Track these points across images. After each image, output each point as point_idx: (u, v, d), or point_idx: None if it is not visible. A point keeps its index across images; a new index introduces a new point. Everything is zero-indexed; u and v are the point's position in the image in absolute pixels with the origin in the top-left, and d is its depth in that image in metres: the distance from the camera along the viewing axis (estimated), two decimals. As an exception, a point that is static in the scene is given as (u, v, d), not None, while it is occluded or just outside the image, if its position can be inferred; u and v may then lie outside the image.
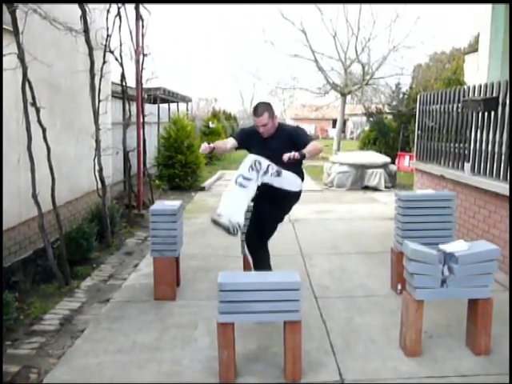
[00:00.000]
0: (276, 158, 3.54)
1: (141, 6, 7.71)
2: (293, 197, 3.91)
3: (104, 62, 6.30)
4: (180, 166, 10.79)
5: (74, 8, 5.36)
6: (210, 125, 19.06)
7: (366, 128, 20.21)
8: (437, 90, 9.45)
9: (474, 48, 15.84)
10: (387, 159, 11.52)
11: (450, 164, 6.41)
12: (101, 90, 5.92)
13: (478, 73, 7.53)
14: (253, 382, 2.94)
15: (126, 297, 4.33)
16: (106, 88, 6.81)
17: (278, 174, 3.61)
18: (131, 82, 7.93)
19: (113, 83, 7.74)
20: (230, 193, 3.54)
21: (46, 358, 3.26)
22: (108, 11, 6.58)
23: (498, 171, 5.15)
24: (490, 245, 3.36)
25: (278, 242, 5.58)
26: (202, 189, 11.04)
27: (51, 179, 4.53)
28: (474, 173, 5.68)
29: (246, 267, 4.29)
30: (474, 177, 5.60)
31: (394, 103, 16.97)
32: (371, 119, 17.50)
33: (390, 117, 17.00)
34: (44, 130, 4.43)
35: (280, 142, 3.70)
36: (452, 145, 6.39)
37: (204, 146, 3.83)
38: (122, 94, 7.48)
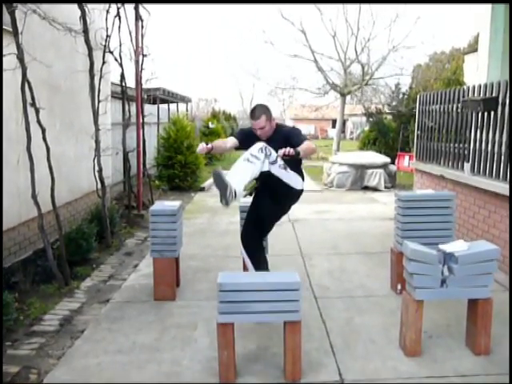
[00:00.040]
0: None
1: (140, 7, 7.71)
2: (294, 194, 3.90)
3: (103, 63, 6.30)
4: (180, 167, 10.79)
5: (74, 8, 5.36)
6: (210, 125, 19.05)
7: (366, 128, 20.22)
8: (436, 90, 9.45)
9: (473, 48, 15.83)
10: (387, 159, 11.53)
11: (450, 164, 6.41)
12: (100, 90, 5.92)
13: (477, 73, 7.54)
14: (253, 382, 2.94)
15: (126, 297, 4.32)
16: (106, 88, 6.80)
17: (285, 168, 3.64)
18: (131, 82, 7.95)
19: (112, 84, 7.74)
20: (236, 165, 3.52)
21: (46, 358, 3.25)
22: (107, 11, 6.58)
23: (497, 171, 5.16)
24: (490, 245, 3.36)
25: (278, 242, 5.60)
26: (202, 189, 11.03)
27: (51, 180, 4.53)
28: (473, 173, 5.69)
29: (246, 268, 4.29)
30: (474, 177, 5.60)
31: (394, 103, 16.97)
32: (371, 119, 17.51)
33: (389, 117, 17.00)
34: (43, 131, 4.43)
35: (278, 144, 3.70)
36: (452, 145, 6.39)
37: (201, 146, 3.81)
38: (122, 95, 7.48)
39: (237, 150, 4.10)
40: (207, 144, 3.86)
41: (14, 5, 4.05)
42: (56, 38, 5.39)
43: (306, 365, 3.04)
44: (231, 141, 4.02)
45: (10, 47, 4.18)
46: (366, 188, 10.97)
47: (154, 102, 12.08)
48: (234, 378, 2.92)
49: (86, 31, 5.46)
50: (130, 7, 7.39)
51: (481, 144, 5.55)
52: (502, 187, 4.91)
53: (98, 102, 5.83)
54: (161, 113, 13.22)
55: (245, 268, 4.38)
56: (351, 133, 40.25)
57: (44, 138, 4.44)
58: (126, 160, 7.57)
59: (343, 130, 30.85)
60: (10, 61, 4.16)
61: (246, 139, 3.96)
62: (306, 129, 41.87)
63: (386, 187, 10.95)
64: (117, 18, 6.85)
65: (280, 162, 3.58)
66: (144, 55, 7.83)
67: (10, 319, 3.56)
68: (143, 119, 8.24)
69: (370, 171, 11.02)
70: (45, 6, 4.86)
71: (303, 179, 3.93)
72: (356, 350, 3.31)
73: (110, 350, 3.33)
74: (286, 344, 2.92)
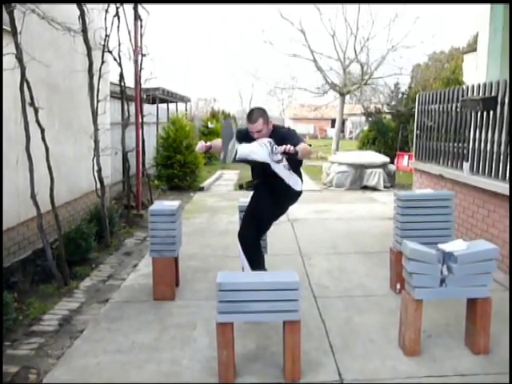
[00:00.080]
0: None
1: (139, 6, 7.71)
2: (293, 195, 3.93)
3: (102, 62, 6.29)
4: (179, 166, 10.78)
5: (73, 8, 5.36)
6: (209, 125, 19.05)
7: (365, 128, 20.22)
8: (436, 89, 9.46)
9: (472, 48, 15.83)
10: (386, 159, 11.53)
11: (449, 163, 6.42)
12: (99, 90, 5.91)
13: (476, 72, 7.54)
14: (252, 381, 2.94)
15: (125, 297, 4.32)
16: (105, 88, 6.80)
17: (289, 169, 3.68)
18: (130, 82, 7.95)
19: (111, 83, 7.73)
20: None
21: (45, 358, 3.25)
22: (106, 11, 6.57)
23: (496, 170, 5.16)
24: (489, 244, 3.36)
25: (277, 242, 5.61)
26: (201, 189, 11.03)
27: (50, 179, 4.52)
28: (472, 172, 5.69)
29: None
30: (473, 176, 5.60)
31: (393, 103, 17.00)
32: (370, 119, 17.52)
33: (388, 116, 17.02)
34: (42, 130, 4.42)
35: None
36: (451, 144, 6.39)
37: (200, 145, 3.84)
38: (121, 94, 7.48)
39: None
40: (206, 143, 3.88)
41: (13, 4, 4.05)
42: (55, 37, 5.38)
43: (306, 364, 3.04)
44: None
45: (8, 47, 4.17)
46: (366, 187, 10.97)
47: (153, 102, 12.08)
48: (233, 378, 2.92)
49: (84, 31, 5.46)
50: (129, 7, 7.39)
51: (480, 143, 5.55)
52: (501, 186, 4.91)
53: (97, 101, 5.83)
54: (160, 112, 13.21)
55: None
56: (350, 132, 40.26)
57: (43, 138, 4.44)
58: (125, 160, 7.57)
59: (342, 130, 30.88)
60: (8, 60, 4.16)
61: (243, 140, 3.97)
62: (305, 128, 41.92)
63: (385, 187, 10.95)
64: (116, 17, 6.84)
65: (285, 162, 3.61)
66: (143, 55, 7.84)
67: (9, 319, 3.56)
68: (142, 119, 8.24)
69: (369, 171, 11.02)
70: (44, 6, 4.86)
71: (302, 181, 3.97)
72: (355, 350, 3.31)
73: (110, 350, 3.33)
74: (286, 343, 2.92)
